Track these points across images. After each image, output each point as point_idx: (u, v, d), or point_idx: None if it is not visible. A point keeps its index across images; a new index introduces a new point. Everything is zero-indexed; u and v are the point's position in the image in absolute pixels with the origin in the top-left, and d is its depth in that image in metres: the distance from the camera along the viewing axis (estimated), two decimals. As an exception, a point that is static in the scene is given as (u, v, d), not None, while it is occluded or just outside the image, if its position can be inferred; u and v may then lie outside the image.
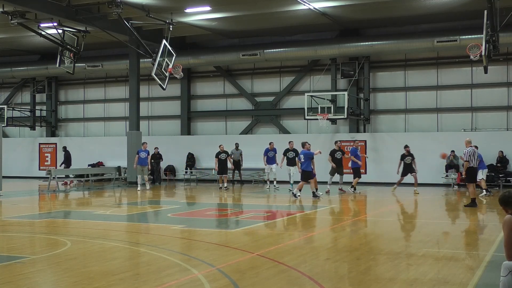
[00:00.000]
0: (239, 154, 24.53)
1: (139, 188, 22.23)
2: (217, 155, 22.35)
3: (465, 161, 15.55)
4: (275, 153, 22.51)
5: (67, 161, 27.11)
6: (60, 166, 27.66)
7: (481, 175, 18.69)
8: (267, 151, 22.49)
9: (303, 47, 25.59)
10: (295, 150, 21.54)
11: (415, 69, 25.21)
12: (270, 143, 22.65)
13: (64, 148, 27.89)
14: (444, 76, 24.70)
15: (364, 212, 15.13)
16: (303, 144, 18.40)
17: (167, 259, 8.29)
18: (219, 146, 22.66)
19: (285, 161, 21.66)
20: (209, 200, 18.69)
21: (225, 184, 22.39)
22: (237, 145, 24.75)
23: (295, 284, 6.88)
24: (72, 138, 31.42)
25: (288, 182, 21.97)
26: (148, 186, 22.68)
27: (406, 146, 20.52)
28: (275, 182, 22.38)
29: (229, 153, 23.66)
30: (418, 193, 19.60)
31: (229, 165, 22.96)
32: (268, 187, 22.58)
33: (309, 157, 17.97)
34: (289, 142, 21.93)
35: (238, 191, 21.84)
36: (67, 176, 24.84)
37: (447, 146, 22.85)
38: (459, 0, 20.74)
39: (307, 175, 18.00)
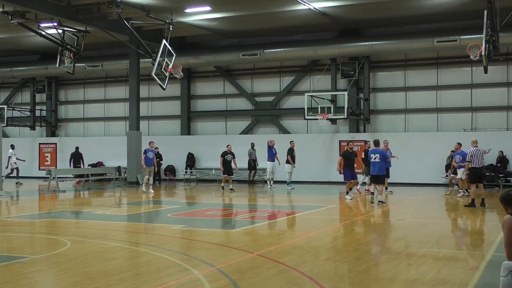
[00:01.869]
0: (255, 154, 24.46)
1: (150, 190, 20.70)
2: (223, 155, 21.51)
3: (466, 161, 15.57)
4: (275, 152, 22.67)
5: (76, 160, 27.49)
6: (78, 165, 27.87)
7: (461, 174, 18.65)
8: (270, 149, 22.73)
9: (303, 47, 25.59)
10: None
11: (415, 69, 25.21)
12: (271, 141, 22.91)
13: (76, 149, 28.14)
14: (444, 76, 24.70)
15: (364, 212, 15.13)
16: (377, 143, 16.79)
17: (167, 259, 8.29)
18: (227, 146, 21.87)
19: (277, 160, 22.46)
20: (209, 200, 18.69)
21: (230, 186, 21.63)
22: (252, 145, 24.77)
23: (295, 284, 6.88)
24: (72, 138, 31.42)
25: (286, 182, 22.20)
26: (151, 189, 20.96)
27: None
28: (272, 182, 22.66)
29: (248, 152, 24.07)
30: None
31: (233, 165, 21.98)
32: (269, 187, 22.52)
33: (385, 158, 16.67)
34: (291, 142, 22.29)
35: (238, 191, 21.78)
36: (76, 176, 25.22)
37: (447, 146, 22.85)
38: (459, 0, 20.75)
39: (383, 178, 16.61)
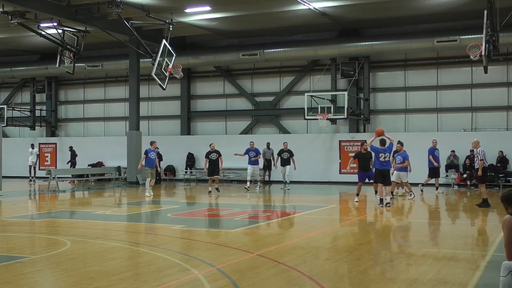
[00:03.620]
0: (271, 153, 23.99)
1: (150, 193, 19.20)
2: (207, 155, 20.24)
3: (480, 160, 15.41)
4: (257, 154, 21.83)
5: (71, 160, 28.47)
6: (68, 164, 28.74)
7: (406, 178, 17.75)
8: (248, 151, 21.72)
9: (303, 47, 25.60)
10: (289, 151, 21.84)
11: (415, 69, 25.22)
12: (250, 143, 22.02)
13: (70, 148, 28.70)
14: (444, 76, 24.71)
15: (364, 212, 15.12)
16: (384, 142, 15.59)
17: (167, 259, 8.29)
18: (210, 145, 20.42)
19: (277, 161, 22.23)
20: (209, 200, 18.68)
21: (216, 186, 20.45)
22: (268, 144, 24.48)
23: (295, 284, 6.88)
24: (72, 138, 31.43)
25: (281, 182, 22.03)
26: (151, 192, 19.34)
27: None
28: (249, 183, 21.97)
29: (261, 152, 23.64)
30: None
31: (221, 165, 20.54)
32: (258, 188, 21.95)
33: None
34: (284, 143, 22.25)
35: (239, 192, 21.77)
36: (73, 176, 25.52)
37: (447, 146, 22.86)
38: (459, 0, 20.75)
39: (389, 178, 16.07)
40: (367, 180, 17.32)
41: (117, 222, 12.89)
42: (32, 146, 28.77)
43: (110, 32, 22.47)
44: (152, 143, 19.89)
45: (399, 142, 17.75)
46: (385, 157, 15.57)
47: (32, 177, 28.05)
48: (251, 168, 21.78)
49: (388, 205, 15.32)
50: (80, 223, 12.85)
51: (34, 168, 28.24)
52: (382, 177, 15.63)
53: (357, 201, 16.80)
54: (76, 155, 28.59)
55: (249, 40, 27.13)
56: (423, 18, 23.32)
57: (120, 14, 19.92)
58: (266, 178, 25.12)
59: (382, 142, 15.71)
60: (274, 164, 23.25)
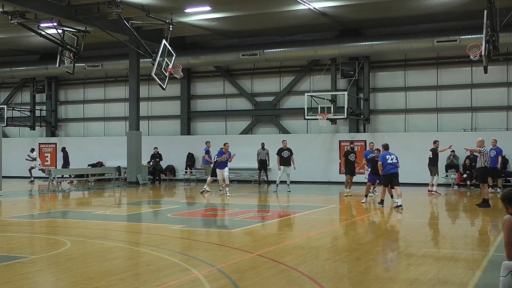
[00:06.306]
0: (266, 153, 24.07)
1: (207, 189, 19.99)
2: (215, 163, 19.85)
3: (480, 152, 15.55)
4: (228, 156, 19.49)
5: (65, 161, 28.18)
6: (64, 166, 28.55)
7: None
8: (221, 153, 19.40)
9: (303, 47, 25.60)
10: (289, 149, 20.81)
11: (415, 69, 25.21)
12: (224, 144, 19.65)
13: (63, 149, 28.54)
14: (444, 76, 24.71)
15: (364, 212, 15.12)
16: (387, 146, 16.01)
17: (167, 259, 8.29)
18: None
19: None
20: (209, 200, 18.68)
21: (220, 188, 20.15)
22: (263, 145, 24.51)
23: (295, 284, 6.89)
24: (72, 138, 31.43)
25: (285, 183, 21.73)
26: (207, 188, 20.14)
27: None
28: (227, 189, 19.63)
29: (256, 152, 23.49)
30: None
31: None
32: (205, 191, 20.14)
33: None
34: (283, 141, 21.22)
35: (238, 192, 21.76)
36: (70, 176, 25.44)
37: (447, 146, 22.82)
38: (459, 0, 20.76)
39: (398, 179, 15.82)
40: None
41: (117, 222, 12.90)
42: (32, 150, 28.56)
43: (110, 32, 22.47)
44: (207, 142, 22.56)
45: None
46: (392, 159, 15.61)
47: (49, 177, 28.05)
48: (220, 172, 19.71)
49: (397, 207, 15.10)
50: (80, 223, 12.85)
51: (43, 169, 27.99)
52: (391, 180, 15.62)
53: (364, 202, 16.69)
54: (67, 156, 28.30)
55: (249, 40, 27.13)
56: (423, 18, 23.32)
57: (120, 14, 19.92)
58: (264, 178, 25.13)
59: (385, 146, 15.93)
60: (269, 164, 23.24)
